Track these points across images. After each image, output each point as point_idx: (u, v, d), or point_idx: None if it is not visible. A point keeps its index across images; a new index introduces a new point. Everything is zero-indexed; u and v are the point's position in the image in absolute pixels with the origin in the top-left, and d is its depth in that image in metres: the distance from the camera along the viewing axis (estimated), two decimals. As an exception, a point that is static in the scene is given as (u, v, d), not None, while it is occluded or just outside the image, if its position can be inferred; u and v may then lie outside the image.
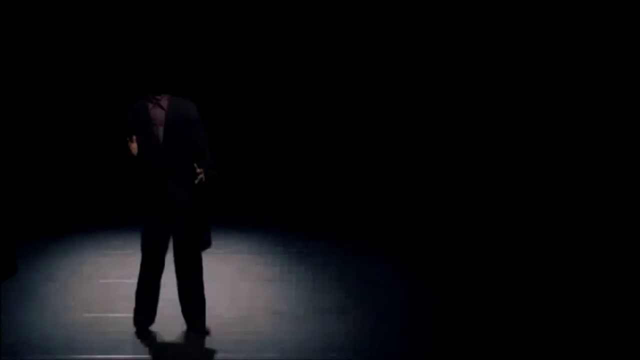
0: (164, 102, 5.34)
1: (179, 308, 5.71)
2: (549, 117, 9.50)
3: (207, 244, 5.44)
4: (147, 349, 5.20)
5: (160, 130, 5.32)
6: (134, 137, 5.37)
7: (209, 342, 5.31)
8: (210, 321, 5.59)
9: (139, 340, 5.33)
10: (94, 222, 8.54)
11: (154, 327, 5.52)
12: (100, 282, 6.48)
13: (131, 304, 5.89)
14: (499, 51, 9.56)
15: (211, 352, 5.16)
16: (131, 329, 5.47)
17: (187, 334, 5.45)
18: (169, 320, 5.65)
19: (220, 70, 9.73)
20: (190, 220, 5.37)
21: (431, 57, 9.71)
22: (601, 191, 8.69)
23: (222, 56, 9.65)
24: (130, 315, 5.60)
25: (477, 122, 9.69)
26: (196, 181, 5.30)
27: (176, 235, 5.40)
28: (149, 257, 5.42)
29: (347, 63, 9.80)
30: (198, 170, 5.31)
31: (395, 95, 9.85)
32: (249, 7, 9.63)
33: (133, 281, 6.39)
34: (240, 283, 6.36)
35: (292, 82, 9.79)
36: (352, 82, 9.82)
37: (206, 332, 5.48)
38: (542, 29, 9.42)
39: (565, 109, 9.44)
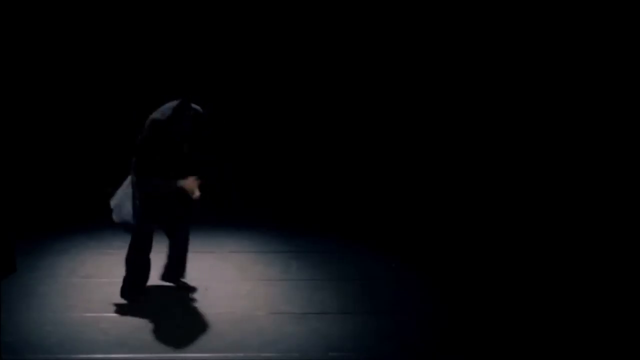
0: None
1: (177, 307, 5.74)
2: (549, 116, 9.50)
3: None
4: (146, 348, 5.20)
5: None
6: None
7: (209, 342, 5.31)
8: (210, 320, 5.61)
9: (138, 340, 5.33)
10: (94, 221, 8.53)
11: (151, 328, 5.52)
12: (100, 281, 6.47)
13: (131, 303, 5.92)
14: (499, 51, 9.57)
15: (211, 352, 5.15)
16: (132, 328, 5.48)
17: (187, 333, 5.46)
18: (169, 320, 5.65)
19: (221, 69, 9.74)
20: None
21: (431, 57, 9.71)
22: (602, 191, 8.69)
23: (223, 56, 9.65)
24: (131, 313, 5.63)
25: (476, 122, 9.69)
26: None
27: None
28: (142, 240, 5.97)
29: (346, 63, 9.79)
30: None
31: (395, 94, 9.85)
32: (250, 6, 9.64)
33: (133, 280, 6.40)
34: (240, 282, 6.36)
35: (290, 81, 9.78)
36: (350, 81, 9.81)
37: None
38: (542, 29, 9.43)
39: (566, 109, 9.45)
